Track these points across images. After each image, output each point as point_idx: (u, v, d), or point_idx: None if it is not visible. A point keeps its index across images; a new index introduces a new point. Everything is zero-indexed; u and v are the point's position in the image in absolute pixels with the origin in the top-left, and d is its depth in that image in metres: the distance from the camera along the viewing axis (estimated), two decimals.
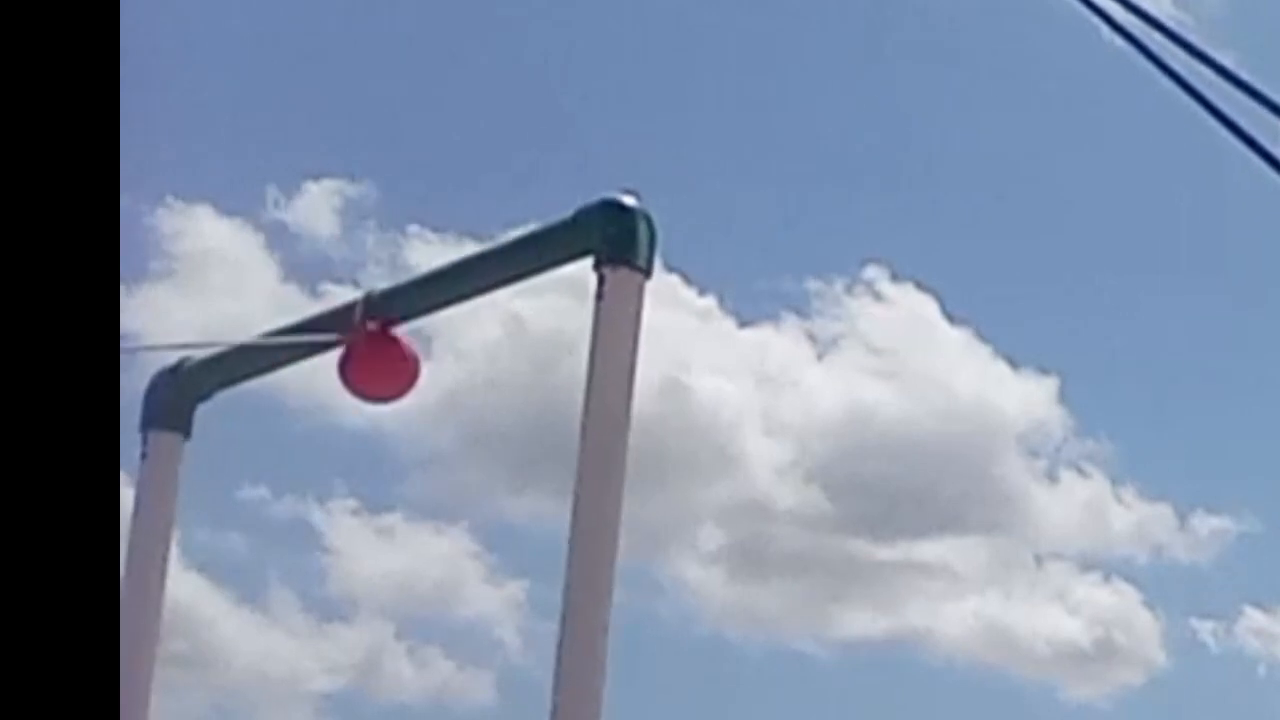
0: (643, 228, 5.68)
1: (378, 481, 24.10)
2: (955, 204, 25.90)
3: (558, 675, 5.40)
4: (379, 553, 24.24)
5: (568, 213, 5.84)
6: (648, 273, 5.68)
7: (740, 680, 24.36)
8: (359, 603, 25.38)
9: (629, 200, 5.72)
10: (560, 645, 5.41)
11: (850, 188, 26.04)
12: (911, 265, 24.28)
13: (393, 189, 23.74)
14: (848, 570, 25.46)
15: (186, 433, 6.67)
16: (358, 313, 6.20)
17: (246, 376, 6.70)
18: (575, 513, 5.51)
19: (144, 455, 6.62)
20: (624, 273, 5.63)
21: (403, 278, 6.55)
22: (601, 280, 5.62)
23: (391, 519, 24.33)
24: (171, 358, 6.65)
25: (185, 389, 6.64)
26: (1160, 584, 25.13)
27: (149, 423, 6.63)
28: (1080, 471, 25.43)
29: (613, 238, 5.65)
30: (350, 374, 6.22)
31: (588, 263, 5.73)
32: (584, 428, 5.56)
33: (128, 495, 6.63)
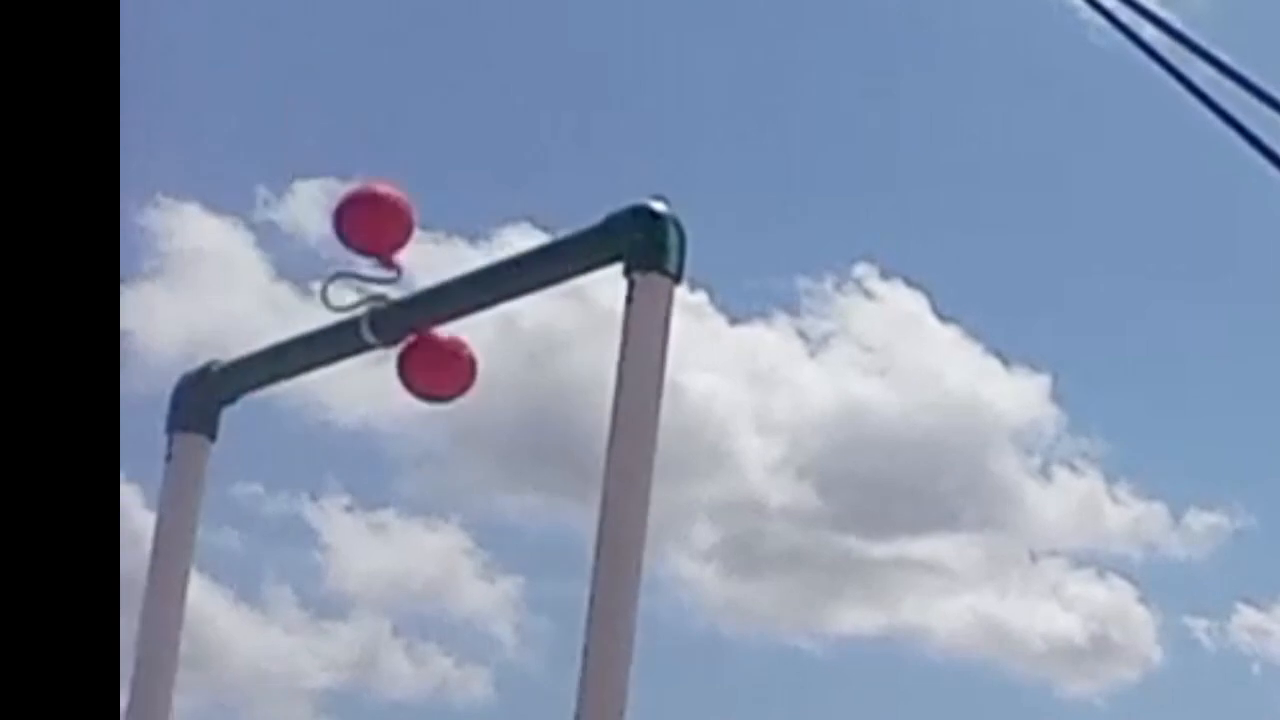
0: (673, 233, 5.70)
1: (371, 478, 24.16)
2: (945, 201, 25.96)
3: (583, 681, 5.40)
4: (373, 549, 24.28)
5: (596, 218, 5.85)
6: (678, 278, 5.70)
7: (735, 677, 24.41)
8: (355, 599, 25.42)
9: (659, 206, 5.75)
10: (585, 654, 5.40)
11: (839, 185, 26.10)
12: (901, 262, 24.37)
13: None
14: (842, 567, 25.52)
15: (212, 435, 6.70)
16: (363, 326, 6.23)
17: (273, 380, 6.74)
18: (603, 518, 5.51)
19: (169, 457, 6.65)
20: (654, 278, 5.65)
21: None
22: (632, 285, 5.64)
23: (385, 515, 24.36)
24: (198, 360, 6.70)
25: (212, 391, 6.68)
26: (1155, 581, 25.24)
27: (175, 425, 6.67)
28: (1074, 469, 25.52)
29: (643, 244, 5.67)
30: (411, 378, 6.40)
31: None
32: (613, 432, 5.58)
33: (146, 497, 6.67)
